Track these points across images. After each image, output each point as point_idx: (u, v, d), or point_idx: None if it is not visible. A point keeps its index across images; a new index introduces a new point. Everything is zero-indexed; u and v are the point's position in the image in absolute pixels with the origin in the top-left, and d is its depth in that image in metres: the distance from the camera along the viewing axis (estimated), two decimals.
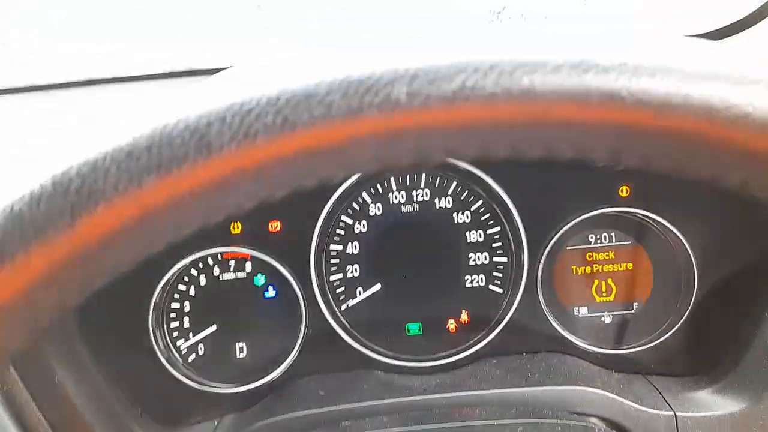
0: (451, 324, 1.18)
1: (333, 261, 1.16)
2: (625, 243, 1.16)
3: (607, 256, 1.17)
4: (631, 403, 0.94)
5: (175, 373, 1.12)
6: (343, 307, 1.16)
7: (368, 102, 0.33)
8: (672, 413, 0.93)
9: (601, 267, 1.17)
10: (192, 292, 1.16)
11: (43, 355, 0.86)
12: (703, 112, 0.33)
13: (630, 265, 1.17)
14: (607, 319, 1.17)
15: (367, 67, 0.33)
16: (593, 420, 0.87)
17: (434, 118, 0.34)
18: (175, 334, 1.15)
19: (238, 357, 1.17)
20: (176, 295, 1.15)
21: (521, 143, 0.36)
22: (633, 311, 1.17)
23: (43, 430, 0.87)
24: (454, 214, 1.16)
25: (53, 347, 0.87)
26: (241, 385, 1.14)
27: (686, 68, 0.33)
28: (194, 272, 1.16)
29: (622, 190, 1.12)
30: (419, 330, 1.18)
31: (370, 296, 1.16)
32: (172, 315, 1.15)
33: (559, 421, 0.78)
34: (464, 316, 1.18)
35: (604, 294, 1.18)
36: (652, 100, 0.34)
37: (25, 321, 0.36)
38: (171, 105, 0.35)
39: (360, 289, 1.17)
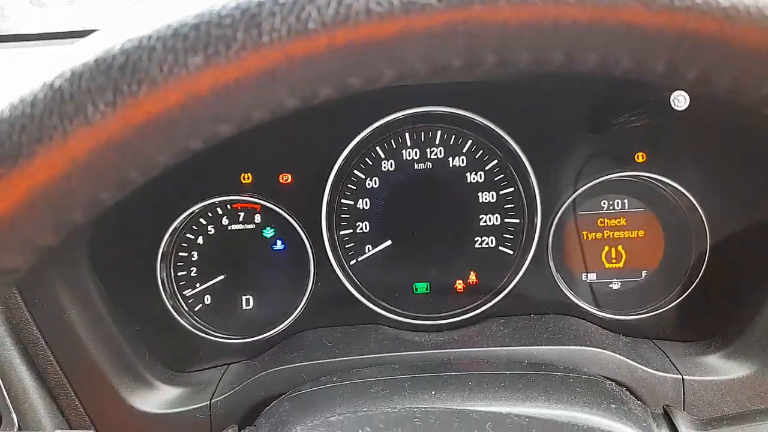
0: (459, 284, 1.17)
1: (343, 216, 1.15)
2: (637, 210, 1.16)
3: (619, 222, 1.16)
4: (639, 365, 0.94)
5: (182, 322, 1.12)
6: (352, 262, 1.15)
7: None
8: (680, 376, 0.93)
9: (612, 233, 1.17)
10: (200, 241, 1.15)
11: (52, 291, 0.86)
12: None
13: (641, 233, 1.16)
14: (616, 286, 1.17)
15: None
16: (603, 378, 0.87)
17: (492, 15, 0.33)
18: (183, 282, 1.15)
19: (244, 309, 1.16)
20: (184, 244, 1.14)
21: (579, 47, 0.35)
22: (642, 278, 1.16)
23: (51, 367, 0.87)
24: (468, 174, 1.15)
25: (63, 285, 0.87)
26: (246, 338, 1.14)
27: None
28: (203, 221, 1.15)
29: (638, 156, 1.11)
30: (427, 289, 1.18)
31: (379, 253, 1.15)
32: (180, 264, 1.14)
33: (571, 374, 0.78)
34: (472, 277, 1.17)
35: (614, 260, 1.17)
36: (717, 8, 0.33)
37: (58, 209, 0.34)
38: None
39: (369, 246, 1.16)
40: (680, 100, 0.65)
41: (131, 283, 1.04)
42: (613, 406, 0.71)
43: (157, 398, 0.93)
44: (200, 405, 0.93)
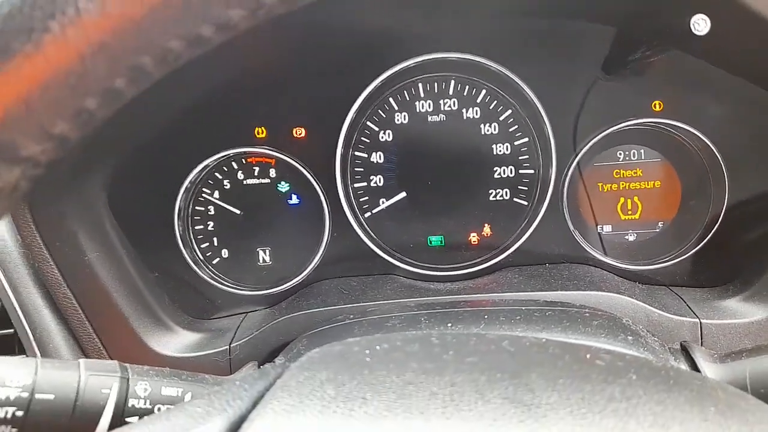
0: (474, 237, 1.18)
1: (357, 169, 1.16)
2: (654, 160, 1.15)
3: (634, 173, 1.15)
4: (656, 309, 0.94)
5: (201, 274, 1.13)
6: (367, 215, 1.16)
7: None
8: (697, 320, 0.93)
9: (627, 184, 1.16)
10: (216, 195, 1.16)
11: (73, 235, 0.87)
12: None
13: (658, 183, 1.15)
14: (632, 237, 1.16)
15: None
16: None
17: None
18: (200, 236, 1.16)
19: (260, 263, 1.18)
20: (200, 198, 1.15)
21: None
22: (658, 230, 1.16)
23: (73, 309, 0.89)
24: (482, 125, 1.14)
25: (83, 229, 0.88)
26: (264, 289, 1.15)
27: None
28: (218, 176, 1.16)
29: (655, 105, 1.09)
30: (441, 242, 1.18)
31: (393, 206, 1.16)
32: (197, 218, 1.16)
33: (587, 310, 0.78)
34: (487, 230, 1.17)
35: (630, 212, 1.17)
36: None
37: (73, 91, 0.34)
38: None
39: (383, 198, 1.16)
40: (700, 24, 0.64)
41: (150, 234, 1.05)
42: (630, 337, 0.71)
43: (178, 342, 0.95)
44: (220, 349, 0.94)
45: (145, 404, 0.63)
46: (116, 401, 0.61)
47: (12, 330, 0.88)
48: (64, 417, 0.59)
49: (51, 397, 0.59)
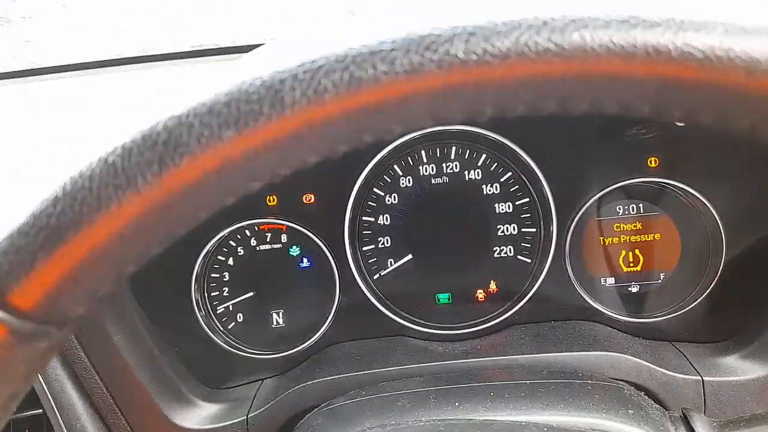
0: (480, 294, 1.21)
1: (365, 232, 1.20)
2: (652, 213, 1.18)
3: (634, 226, 1.19)
4: (659, 368, 0.96)
5: (217, 340, 1.18)
6: (376, 276, 1.20)
7: (428, 58, 0.35)
8: (699, 378, 0.95)
9: (628, 237, 1.19)
10: (231, 262, 1.20)
11: (99, 320, 0.92)
12: (743, 65, 0.35)
13: (657, 236, 1.18)
14: (634, 289, 1.19)
15: (427, 25, 0.36)
16: (622, 384, 0.90)
17: (490, 74, 0.37)
18: (215, 302, 1.20)
19: (274, 325, 1.22)
20: (216, 266, 1.20)
21: (570, 96, 0.39)
22: (660, 281, 1.19)
23: (98, 389, 0.93)
24: (484, 186, 1.19)
25: (108, 313, 0.93)
26: (278, 353, 1.19)
27: (730, 22, 0.35)
28: (233, 243, 1.20)
29: (650, 161, 1.13)
30: (449, 300, 1.21)
31: (401, 266, 1.20)
32: (213, 284, 1.20)
33: (590, 382, 0.81)
34: (493, 286, 1.21)
35: (632, 264, 1.20)
36: (694, 53, 0.36)
37: (115, 264, 0.39)
38: (245, 67, 0.38)
39: (391, 259, 1.20)
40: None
41: (169, 307, 1.10)
42: (631, 411, 0.74)
43: (198, 415, 0.99)
44: (238, 420, 0.98)
45: None
46: None
47: (41, 410, 0.93)
48: None
49: None
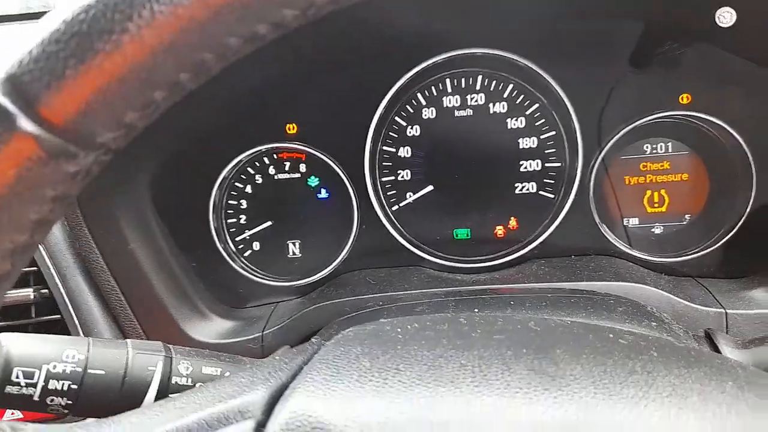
0: (500, 230, 1.19)
1: (385, 163, 1.18)
2: (681, 153, 1.15)
3: (661, 166, 1.16)
4: (681, 300, 0.95)
5: (234, 266, 1.18)
6: (395, 208, 1.19)
7: None
8: (722, 310, 0.93)
9: (654, 177, 1.16)
10: (249, 189, 1.20)
11: (117, 225, 0.92)
12: None
13: (685, 176, 1.15)
14: (658, 230, 1.17)
15: None
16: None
17: None
18: (233, 229, 1.20)
19: (290, 255, 1.21)
20: (234, 192, 1.20)
21: None
22: (685, 223, 1.16)
23: (116, 297, 0.93)
24: (508, 120, 1.16)
25: (128, 220, 0.93)
26: (294, 281, 1.19)
27: None
28: (251, 170, 1.20)
29: (682, 98, 1.10)
30: (467, 235, 1.20)
31: (420, 199, 1.18)
32: (230, 211, 1.20)
33: (612, 297, 0.79)
34: (513, 223, 1.19)
35: (657, 205, 1.17)
36: None
37: (143, 85, 0.38)
38: None
39: (410, 192, 1.19)
40: (725, 17, 0.65)
41: (188, 228, 1.10)
42: (654, 323, 0.72)
43: (213, 329, 0.99)
44: (253, 336, 0.98)
45: (187, 381, 0.66)
46: (161, 378, 0.65)
47: (59, 316, 0.94)
48: (114, 391, 0.63)
49: (102, 372, 0.63)
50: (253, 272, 1.19)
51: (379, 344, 0.50)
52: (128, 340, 0.67)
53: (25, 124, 0.37)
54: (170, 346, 0.68)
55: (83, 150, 0.39)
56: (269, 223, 1.20)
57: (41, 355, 0.61)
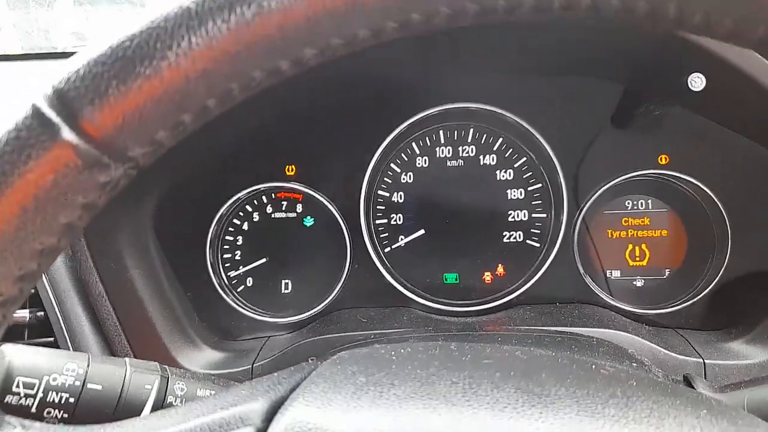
0: (487, 276, 1.23)
1: (379, 207, 1.23)
2: (661, 210, 1.21)
3: (642, 222, 1.21)
4: (661, 348, 0.98)
5: (227, 299, 1.19)
6: (387, 249, 1.22)
7: None
8: (701, 360, 0.97)
9: (636, 232, 1.22)
10: (245, 226, 1.23)
11: (119, 252, 0.95)
12: None
13: (665, 232, 1.21)
14: (639, 283, 1.21)
15: None
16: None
17: None
18: (228, 264, 1.23)
19: (283, 291, 1.23)
20: (231, 228, 1.23)
21: None
22: (665, 276, 1.21)
23: (111, 321, 0.95)
24: (498, 171, 1.22)
25: (129, 247, 0.96)
26: (286, 317, 1.21)
27: None
28: (249, 208, 1.23)
29: (661, 158, 1.17)
30: (456, 280, 1.23)
31: (412, 243, 1.22)
32: (226, 247, 1.23)
33: (595, 339, 0.83)
34: (500, 270, 1.23)
35: (638, 259, 1.22)
36: None
37: (176, 107, 0.42)
38: None
39: (402, 236, 1.23)
40: (696, 81, 0.72)
41: (185, 259, 1.12)
42: (634, 365, 0.76)
43: (203, 359, 1.00)
44: (243, 368, 0.99)
45: (181, 402, 0.68)
46: (156, 396, 0.66)
47: (52, 339, 0.94)
48: (110, 407, 0.64)
49: (99, 387, 0.64)
50: (245, 307, 1.21)
51: (374, 364, 0.53)
52: (126, 359, 0.68)
53: (67, 134, 0.41)
54: (166, 367, 0.70)
55: (115, 162, 0.43)
56: (264, 259, 1.23)
57: (42, 366, 0.62)
